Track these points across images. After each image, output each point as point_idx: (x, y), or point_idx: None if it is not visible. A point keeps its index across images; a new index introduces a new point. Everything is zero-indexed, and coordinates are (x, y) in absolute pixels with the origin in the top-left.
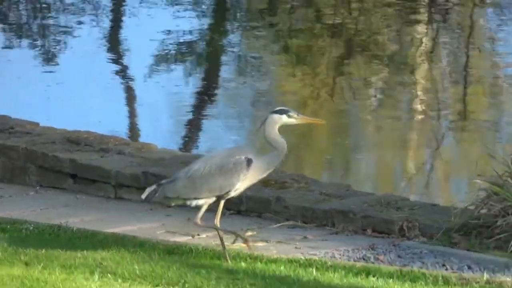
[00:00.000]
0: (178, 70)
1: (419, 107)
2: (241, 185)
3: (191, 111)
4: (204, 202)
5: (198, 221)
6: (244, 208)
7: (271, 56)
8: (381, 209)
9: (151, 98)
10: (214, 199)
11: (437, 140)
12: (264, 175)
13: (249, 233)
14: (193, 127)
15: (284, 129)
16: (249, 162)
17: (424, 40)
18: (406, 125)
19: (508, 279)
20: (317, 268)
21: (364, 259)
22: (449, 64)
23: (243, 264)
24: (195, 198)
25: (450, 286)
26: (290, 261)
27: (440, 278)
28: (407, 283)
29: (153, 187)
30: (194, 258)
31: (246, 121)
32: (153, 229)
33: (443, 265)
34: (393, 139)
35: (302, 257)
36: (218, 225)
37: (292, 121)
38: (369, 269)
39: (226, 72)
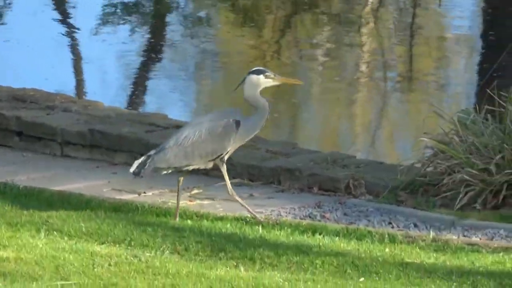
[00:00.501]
0: (125, 28)
1: (365, 66)
2: (231, 147)
3: (137, 70)
4: (198, 167)
5: (230, 190)
6: None
7: (218, 15)
8: (327, 167)
9: (98, 56)
10: (207, 163)
11: (384, 99)
12: (251, 136)
13: (195, 191)
14: (139, 85)
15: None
16: (237, 124)
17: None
18: (352, 85)
19: (454, 237)
20: (263, 226)
21: (310, 217)
22: (396, 24)
23: (189, 221)
24: (187, 165)
25: (396, 244)
26: (237, 219)
27: (386, 236)
28: (353, 241)
29: (142, 159)
30: (140, 215)
31: (192, 81)
32: (99, 187)
33: (389, 223)
34: (340, 98)
35: (248, 215)
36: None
37: (269, 81)
38: (315, 227)
39: (173, 31)
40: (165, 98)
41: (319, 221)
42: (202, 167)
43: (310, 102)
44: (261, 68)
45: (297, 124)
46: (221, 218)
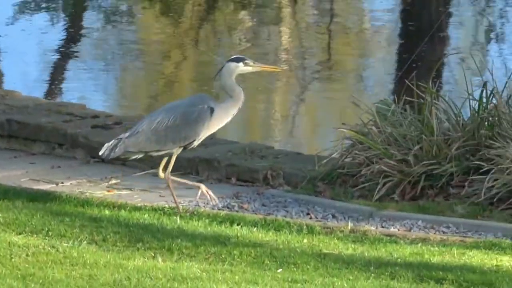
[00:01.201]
0: (44, 17)
1: (284, 55)
2: (203, 134)
3: (56, 59)
4: (166, 154)
5: (167, 174)
6: None
7: (137, 4)
8: (245, 157)
9: (16, 45)
10: (177, 149)
11: (302, 89)
12: (224, 123)
13: (113, 181)
14: (58, 75)
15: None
16: (211, 110)
17: None
18: (271, 74)
19: (372, 227)
20: (181, 216)
21: (228, 207)
22: (315, 13)
23: (107, 212)
24: (158, 150)
25: (314, 235)
26: (154, 209)
27: (305, 227)
28: (271, 231)
29: (112, 141)
30: (58, 206)
31: (111, 70)
32: (17, 176)
33: (308, 214)
34: (258, 88)
35: (166, 205)
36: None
37: (248, 69)
38: (234, 218)
39: (92, 20)
40: (84, 88)
41: (237, 211)
42: (173, 152)
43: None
44: (240, 56)
45: None
46: (139, 209)
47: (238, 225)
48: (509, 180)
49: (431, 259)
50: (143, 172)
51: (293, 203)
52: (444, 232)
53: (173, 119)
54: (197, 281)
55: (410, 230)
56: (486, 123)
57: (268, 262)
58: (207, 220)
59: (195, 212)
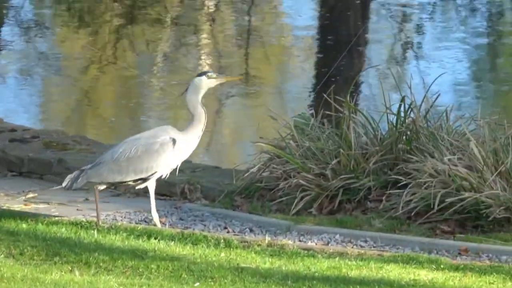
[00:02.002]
0: None
1: (200, 69)
2: (167, 164)
3: None
4: (135, 185)
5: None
6: (25, 170)
7: (55, 18)
8: None
9: None
10: (139, 182)
11: (221, 103)
12: (191, 150)
13: (30, 195)
14: None
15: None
16: (174, 142)
17: (207, 2)
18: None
19: (289, 241)
20: (98, 230)
21: (146, 221)
22: (234, 27)
23: (24, 225)
24: (121, 182)
25: (231, 249)
26: (72, 223)
27: (222, 241)
28: (188, 245)
29: (74, 173)
30: None
31: (29, 84)
32: None
33: (225, 227)
34: (176, 102)
35: (84, 219)
36: (156, 217)
37: (212, 81)
38: (151, 232)
39: (9, 31)
40: (1, 102)
41: (155, 225)
42: (135, 184)
43: (145, 106)
44: (204, 70)
45: (133, 128)
46: (56, 222)
47: (155, 239)
48: (426, 194)
49: (348, 273)
50: (60, 186)
51: (210, 217)
52: (361, 246)
53: (134, 150)
54: None
55: (327, 244)
56: (404, 137)
57: (186, 276)
58: (124, 234)
59: (112, 226)
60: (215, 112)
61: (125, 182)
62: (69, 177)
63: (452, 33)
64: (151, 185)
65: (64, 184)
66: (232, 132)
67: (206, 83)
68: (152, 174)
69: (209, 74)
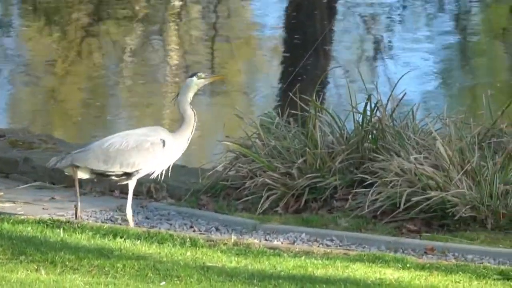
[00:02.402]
0: None
1: (168, 68)
2: (155, 164)
3: None
4: (119, 180)
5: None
6: None
7: (21, 16)
8: None
9: None
10: (123, 177)
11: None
12: (180, 153)
13: None
14: None
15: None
16: (164, 143)
17: (173, 0)
18: (154, 87)
19: (255, 240)
20: (64, 229)
21: (111, 220)
22: (201, 25)
23: None
24: (104, 172)
25: (197, 248)
26: (38, 222)
27: (188, 239)
28: (154, 244)
29: (61, 155)
30: None
31: None
32: None
33: (191, 226)
34: (142, 100)
35: (50, 218)
36: (130, 214)
37: (202, 81)
38: (117, 231)
39: None
40: None
41: (120, 224)
42: (116, 179)
43: (111, 105)
44: (194, 71)
45: (99, 127)
46: (22, 221)
47: (121, 238)
48: (392, 193)
49: (314, 272)
50: (26, 185)
51: (176, 216)
52: (327, 245)
53: (125, 144)
54: None
55: (293, 243)
56: (370, 136)
57: (151, 275)
58: (90, 233)
59: (78, 225)
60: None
61: (108, 172)
62: (54, 158)
63: (419, 32)
64: (132, 183)
65: (48, 164)
66: (198, 131)
67: (196, 84)
68: (137, 171)
69: (199, 74)
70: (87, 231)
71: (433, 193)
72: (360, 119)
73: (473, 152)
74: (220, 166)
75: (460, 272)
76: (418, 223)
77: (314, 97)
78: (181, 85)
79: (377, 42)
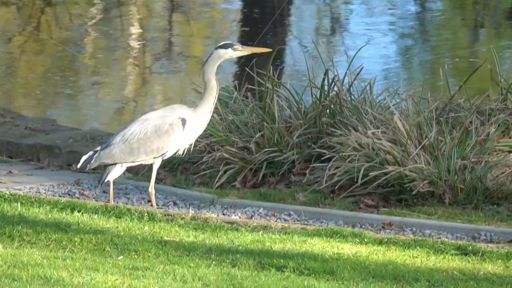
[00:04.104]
0: None
1: (127, 42)
2: (179, 144)
3: None
4: (144, 165)
5: (151, 189)
6: None
7: None
8: (87, 144)
9: None
10: (152, 160)
11: (144, 76)
12: (203, 128)
13: None
14: None
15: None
16: (183, 121)
17: None
18: (114, 61)
19: (213, 215)
20: (22, 203)
21: (69, 194)
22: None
23: None
24: (133, 162)
25: (155, 222)
26: None
27: (146, 214)
28: (112, 218)
29: (88, 154)
30: None
31: None
32: None
33: (149, 201)
34: (100, 75)
35: (7, 192)
36: (152, 193)
37: (237, 53)
38: (75, 204)
39: None
40: None
41: (78, 198)
42: (147, 163)
43: (70, 79)
44: (228, 42)
45: (56, 101)
46: None
47: (79, 212)
48: (350, 168)
49: (272, 246)
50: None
51: (134, 190)
52: (285, 220)
53: (144, 132)
54: (38, 268)
55: (251, 218)
56: (327, 110)
57: (109, 249)
58: (48, 207)
59: (36, 199)
60: (140, 86)
61: (137, 162)
62: (83, 159)
63: (379, 7)
64: (157, 163)
65: (78, 166)
66: (157, 105)
67: (231, 55)
68: (163, 154)
69: (235, 46)
70: (44, 205)
71: (391, 168)
72: (318, 94)
73: (431, 127)
74: None
75: (418, 247)
76: (376, 198)
77: (271, 72)
78: (211, 53)
79: (336, 17)
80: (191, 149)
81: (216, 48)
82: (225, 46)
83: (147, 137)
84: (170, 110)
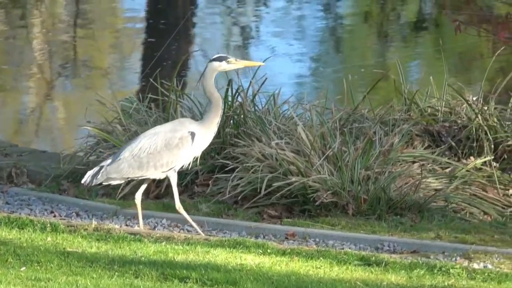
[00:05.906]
0: None
1: (32, 53)
2: (188, 158)
3: None
4: (148, 179)
5: (178, 205)
6: None
7: None
8: None
9: None
10: (160, 174)
11: (49, 88)
12: (210, 139)
13: None
14: None
15: None
16: (193, 135)
17: None
18: (17, 71)
19: (116, 226)
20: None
21: None
22: (65, 12)
23: None
24: (141, 176)
25: (58, 233)
26: None
27: (48, 225)
28: (15, 229)
29: (95, 169)
30: None
31: None
32: None
33: (52, 212)
34: (6, 84)
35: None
36: (181, 207)
37: (231, 66)
38: None
39: None
40: None
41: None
42: (155, 178)
43: None
44: (222, 55)
45: None
46: None
47: None
48: (254, 179)
49: (175, 257)
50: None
51: (37, 201)
52: (188, 231)
53: (154, 146)
54: None
55: (154, 229)
56: (231, 121)
57: (12, 260)
58: None
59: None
60: (43, 96)
61: (144, 176)
62: (89, 173)
63: (287, 17)
64: (173, 177)
65: (83, 181)
66: (60, 116)
67: (224, 68)
68: (171, 168)
69: (229, 59)
70: None
71: (294, 179)
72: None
73: (335, 137)
74: (81, 151)
75: (321, 258)
76: (279, 208)
77: (174, 82)
78: (205, 66)
79: (243, 27)
80: (197, 161)
81: (210, 61)
82: (219, 59)
83: (157, 151)
84: (179, 124)
